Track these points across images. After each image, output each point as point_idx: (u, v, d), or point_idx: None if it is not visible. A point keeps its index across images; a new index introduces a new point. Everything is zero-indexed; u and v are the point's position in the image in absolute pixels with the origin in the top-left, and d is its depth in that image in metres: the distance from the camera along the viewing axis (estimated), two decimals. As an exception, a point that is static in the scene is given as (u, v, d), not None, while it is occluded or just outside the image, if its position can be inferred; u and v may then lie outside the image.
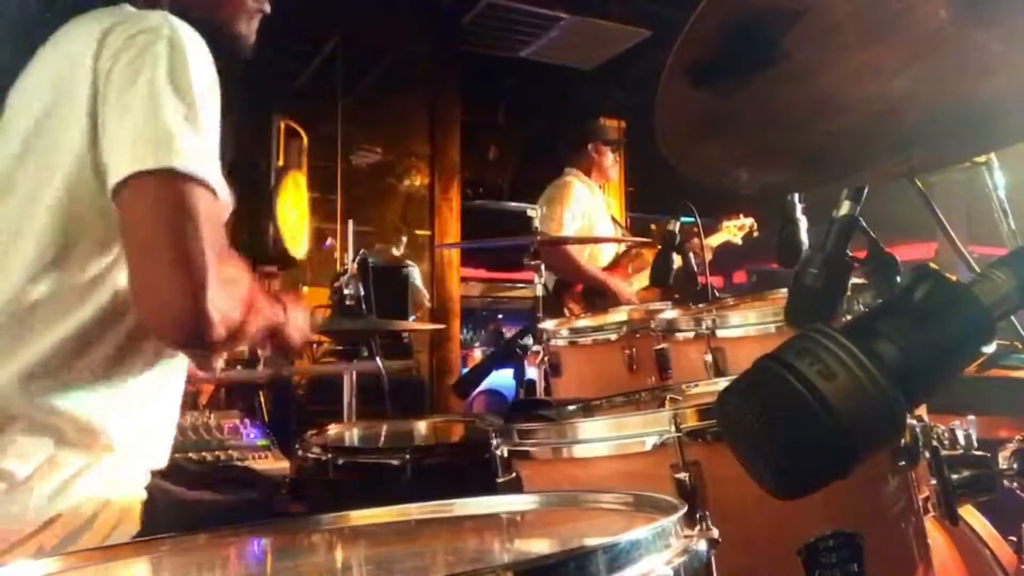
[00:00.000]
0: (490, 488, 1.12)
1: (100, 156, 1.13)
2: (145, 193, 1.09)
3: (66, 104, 1.15)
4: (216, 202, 1.14)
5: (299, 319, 1.42)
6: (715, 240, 4.44)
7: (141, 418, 1.24)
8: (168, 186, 1.09)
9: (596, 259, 4.19)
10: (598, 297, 4.01)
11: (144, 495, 1.25)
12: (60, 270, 1.14)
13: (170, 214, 1.09)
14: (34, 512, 1.12)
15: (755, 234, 4.54)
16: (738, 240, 4.55)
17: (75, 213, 1.15)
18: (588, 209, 4.19)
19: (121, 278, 1.17)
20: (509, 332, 6.13)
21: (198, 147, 1.12)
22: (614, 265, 4.23)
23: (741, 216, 4.54)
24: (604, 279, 4.08)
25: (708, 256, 3.89)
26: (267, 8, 1.42)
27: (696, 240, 2.59)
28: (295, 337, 1.39)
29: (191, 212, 1.09)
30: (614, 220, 4.57)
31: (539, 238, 2.79)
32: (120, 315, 1.17)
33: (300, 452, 1.60)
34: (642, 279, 4.10)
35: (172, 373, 1.31)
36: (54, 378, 1.14)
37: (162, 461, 1.31)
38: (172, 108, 1.10)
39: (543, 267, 2.83)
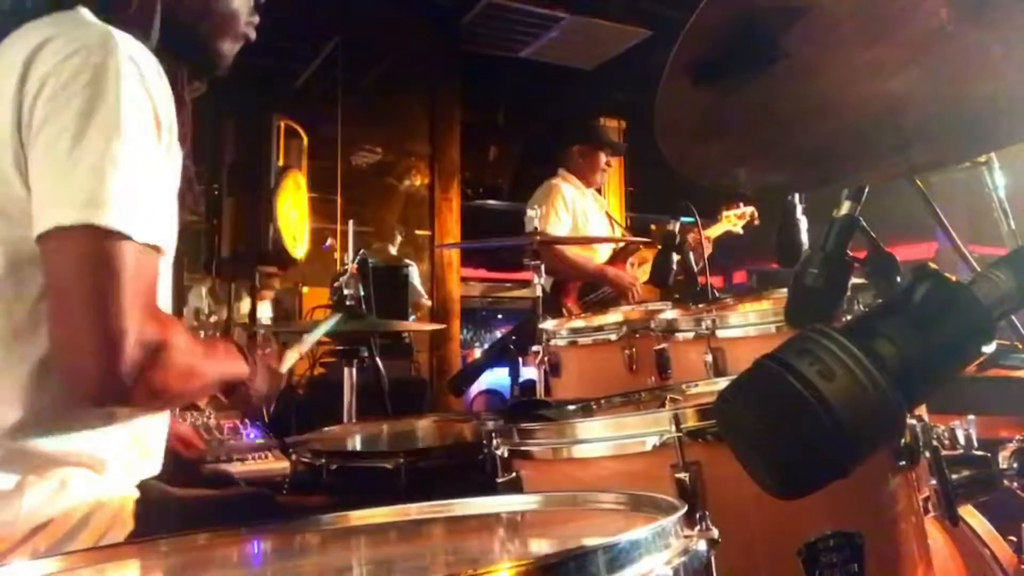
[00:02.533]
0: (488, 489, 1.12)
1: (28, 190, 1.07)
2: (65, 248, 1.04)
3: None
4: (145, 253, 1.07)
5: (266, 374, 1.40)
6: (715, 231, 4.39)
7: (131, 429, 1.23)
8: (89, 242, 1.03)
9: (593, 257, 4.18)
10: (596, 301, 4.01)
11: (136, 494, 1.24)
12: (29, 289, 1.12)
13: (90, 271, 1.03)
14: (27, 517, 1.10)
15: (756, 222, 4.46)
16: (739, 230, 4.48)
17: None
18: (577, 209, 4.17)
19: None
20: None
21: (125, 195, 1.05)
22: (612, 262, 4.23)
23: (741, 205, 4.47)
24: (601, 270, 4.08)
25: (708, 249, 3.89)
26: (253, 35, 1.37)
27: (696, 238, 2.59)
28: (260, 391, 1.37)
29: (113, 269, 1.03)
30: (611, 218, 4.56)
31: (538, 238, 2.79)
32: None
33: (294, 456, 1.60)
34: (644, 271, 4.09)
35: None
36: (18, 407, 1.11)
37: (156, 468, 1.30)
38: (96, 151, 1.04)
39: (543, 267, 2.83)
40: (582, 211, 4.20)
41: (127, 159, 1.06)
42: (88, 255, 1.04)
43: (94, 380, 1.05)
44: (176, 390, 1.15)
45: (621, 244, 4.28)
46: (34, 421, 1.11)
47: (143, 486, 1.26)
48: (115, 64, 1.07)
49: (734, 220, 4.47)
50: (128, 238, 1.05)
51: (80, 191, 1.03)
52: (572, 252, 4.03)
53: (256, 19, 1.37)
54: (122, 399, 1.08)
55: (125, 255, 1.05)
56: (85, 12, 1.17)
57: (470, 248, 6.30)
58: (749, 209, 4.47)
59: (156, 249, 1.10)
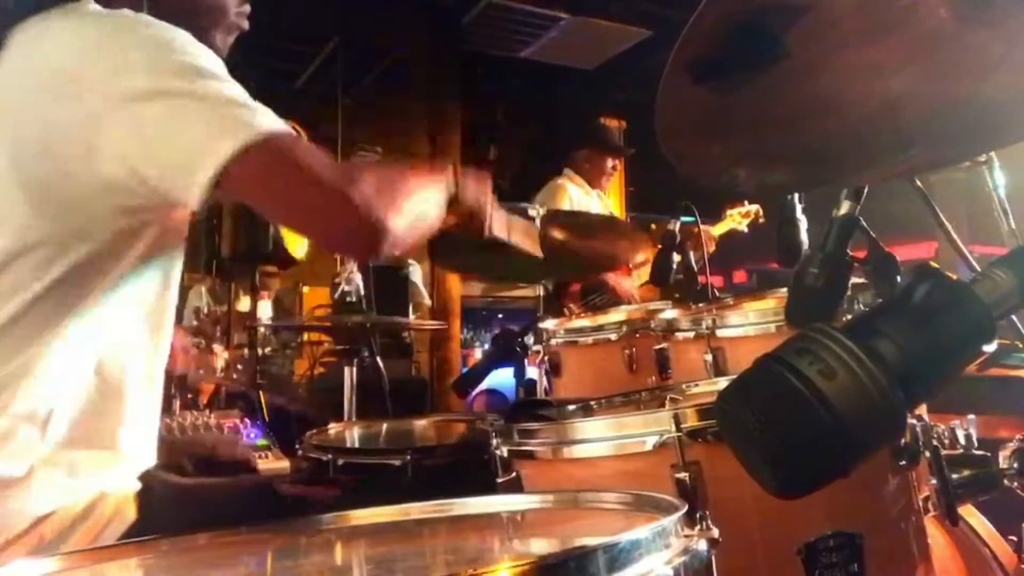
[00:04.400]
0: (490, 488, 1.12)
1: (113, 168, 1.08)
2: (250, 170, 1.06)
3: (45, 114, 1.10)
4: (293, 135, 1.13)
5: (472, 183, 1.38)
6: (720, 229, 4.37)
7: (131, 416, 1.24)
8: (263, 152, 1.06)
9: None
10: (597, 297, 4.00)
11: (139, 484, 1.25)
12: (44, 271, 1.13)
13: (286, 171, 1.08)
14: (31, 507, 1.12)
15: (761, 221, 4.42)
16: (744, 227, 4.45)
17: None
18: (582, 209, 4.17)
19: (96, 282, 1.16)
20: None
21: (257, 105, 1.10)
22: None
23: (746, 203, 4.44)
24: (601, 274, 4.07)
25: (711, 248, 3.87)
26: (245, 25, 1.38)
27: (696, 238, 2.59)
28: (479, 200, 1.38)
29: (296, 158, 1.08)
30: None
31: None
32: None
33: (300, 453, 1.60)
34: (643, 275, 4.08)
35: (146, 378, 1.30)
36: (39, 378, 1.13)
37: (152, 458, 1.31)
38: (211, 86, 1.08)
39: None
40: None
41: (227, 80, 1.10)
42: (272, 162, 1.07)
43: (360, 236, 1.09)
44: (404, 208, 1.14)
45: None
46: (45, 410, 1.13)
47: (145, 476, 1.26)
48: (156, 28, 1.12)
49: (738, 219, 4.44)
50: (281, 133, 1.09)
51: (221, 123, 1.06)
52: None
53: (247, 8, 1.37)
54: (384, 235, 1.09)
55: (291, 145, 1.10)
56: (94, 5, 1.19)
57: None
58: (754, 207, 4.44)
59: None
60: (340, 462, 1.51)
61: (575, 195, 4.20)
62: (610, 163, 4.42)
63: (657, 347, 1.98)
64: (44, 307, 1.14)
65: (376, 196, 1.08)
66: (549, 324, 2.49)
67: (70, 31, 1.14)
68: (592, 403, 1.42)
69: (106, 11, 1.18)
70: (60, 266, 1.13)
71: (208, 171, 1.04)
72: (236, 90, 1.10)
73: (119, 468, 1.23)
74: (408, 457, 1.45)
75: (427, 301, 5.69)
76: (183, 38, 1.13)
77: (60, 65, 1.12)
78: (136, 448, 1.27)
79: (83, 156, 1.08)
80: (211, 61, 1.12)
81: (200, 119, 1.06)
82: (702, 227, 2.52)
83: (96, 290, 1.17)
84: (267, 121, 1.08)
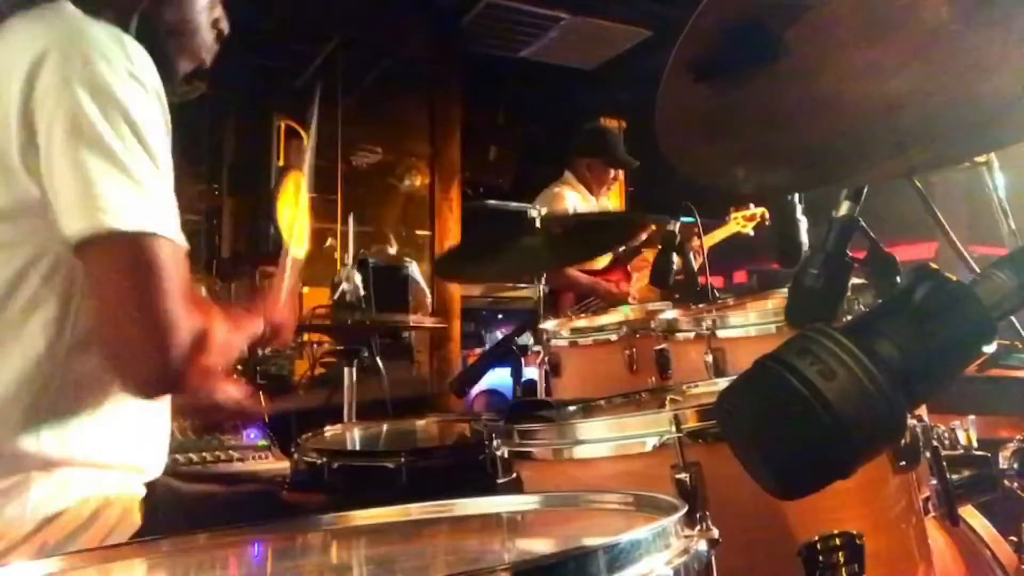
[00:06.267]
0: (487, 491, 1.12)
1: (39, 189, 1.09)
2: (107, 254, 1.07)
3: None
4: (176, 248, 1.11)
5: (276, 313, 1.48)
6: (722, 233, 4.34)
7: (134, 429, 1.24)
8: (128, 246, 1.06)
9: (593, 262, 4.17)
10: (591, 304, 3.99)
11: (144, 491, 1.25)
12: (46, 283, 1.13)
13: (134, 274, 1.07)
14: (35, 512, 1.12)
15: (767, 223, 4.35)
16: (749, 231, 4.39)
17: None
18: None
19: (67, 300, 1.15)
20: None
21: (152, 197, 1.09)
22: (612, 266, 4.22)
23: (751, 206, 4.38)
24: (593, 283, 4.05)
25: (699, 259, 3.84)
26: (207, 61, 1.38)
27: (696, 240, 2.59)
28: (284, 329, 1.47)
29: (155, 268, 1.07)
30: None
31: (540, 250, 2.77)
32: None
33: (296, 455, 1.60)
34: (643, 278, 4.07)
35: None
36: (39, 394, 1.13)
37: (159, 467, 1.31)
38: (117, 158, 1.06)
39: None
40: None
41: (147, 163, 1.09)
42: (129, 259, 1.07)
43: (150, 375, 1.09)
44: (219, 367, 1.20)
45: (621, 249, 4.25)
46: (42, 419, 1.12)
47: (150, 483, 1.26)
48: (124, 69, 1.10)
49: (742, 222, 4.39)
50: (161, 237, 1.08)
51: (109, 198, 1.06)
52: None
53: (216, 48, 1.39)
54: (176, 388, 1.14)
55: (162, 253, 1.08)
56: (69, 6, 1.17)
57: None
58: (759, 210, 4.38)
59: (180, 244, 1.13)
60: (335, 465, 1.50)
61: (573, 202, 4.18)
62: (612, 173, 4.40)
63: (657, 348, 1.98)
64: (48, 306, 1.14)
65: (189, 360, 1.09)
66: (549, 325, 2.49)
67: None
68: (592, 404, 1.42)
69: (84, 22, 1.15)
70: (54, 266, 1.13)
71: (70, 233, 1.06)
72: (155, 169, 1.10)
73: (126, 473, 1.23)
74: (403, 460, 1.45)
75: (428, 295, 5.65)
76: (136, 95, 1.11)
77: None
78: (144, 454, 1.27)
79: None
80: (155, 128, 1.12)
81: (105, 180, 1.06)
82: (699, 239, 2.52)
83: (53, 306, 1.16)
84: (154, 219, 1.07)
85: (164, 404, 1.33)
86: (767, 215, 4.36)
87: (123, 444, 1.22)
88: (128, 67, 1.10)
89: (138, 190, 1.08)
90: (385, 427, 2.08)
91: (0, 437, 1.10)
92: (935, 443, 1.14)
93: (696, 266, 2.36)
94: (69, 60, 1.08)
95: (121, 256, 1.07)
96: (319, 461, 1.52)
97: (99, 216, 1.05)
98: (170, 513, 1.22)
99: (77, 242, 1.06)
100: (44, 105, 1.07)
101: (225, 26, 1.39)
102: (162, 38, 1.28)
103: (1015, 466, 1.26)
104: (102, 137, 1.06)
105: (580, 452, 1.07)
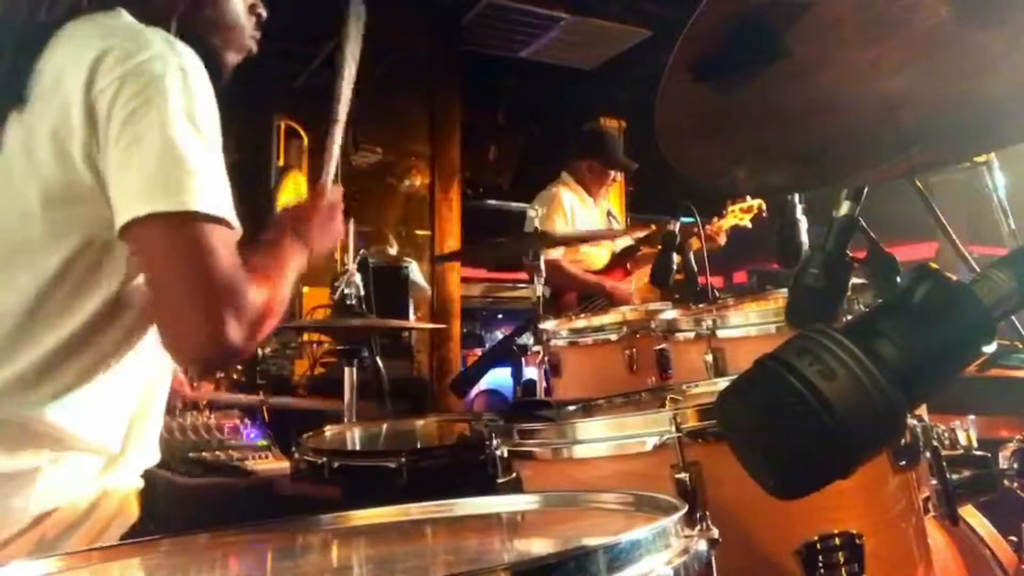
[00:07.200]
0: (487, 490, 1.12)
1: (97, 182, 1.12)
2: (162, 234, 1.09)
3: (46, 126, 1.13)
4: (231, 232, 1.14)
5: (318, 229, 1.43)
6: (727, 223, 4.29)
7: (131, 418, 1.24)
8: (186, 228, 1.09)
9: (592, 262, 4.16)
10: (596, 304, 3.99)
11: (141, 484, 1.25)
12: (58, 279, 1.14)
13: (189, 255, 1.09)
14: (34, 506, 1.12)
15: (764, 215, 4.34)
16: (747, 223, 4.36)
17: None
18: (577, 219, 4.15)
19: (110, 285, 1.17)
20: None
21: (216, 183, 1.13)
22: (612, 266, 4.21)
23: (748, 198, 4.33)
24: (598, 281, 4.05)
25: (722, 240, 3.82)
26: (255, 48, 1.43)
27: (697, 238, 2.58)
28: (327, 243, 1.44)
29: (209, 250, 1.09)
30: (613, 219, 4.52)
31: (535, 243, 2.78)
32: (108, 325, 1.18)
33: (296, 455, 1.61)
34: (642, 276, 4.06)
35: (160, 374, 1.31)
36: (45, 383, 1.13)
37: (154, 458, 1.31)
38: (190, 144, 1.10)
39: (542, 267, 2.82)
40: (582, 222, 4.18)
41: (214, 149, 1.14)
42: (186, 240, 1.09)
43: (208, 355, 1.11)
44: (275, 325, 1.20)
45: (620, 250, 4.25)
46: (52, 405, 1.13)
47: (147, 475, 1.27)
48: (190, 66, 1.15)
49: (740, 214, 4.37)
50: (221, 220, 1.11)
51: (178, 181, 1.09)
52: (570, 265, 4.01)
53: (258, 33, 1.43)
54: (236, 360, 1.16)
55: (216, 235, 1.11)
56: (126, 14, 1.22)
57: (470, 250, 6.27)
58: (756, 202, 4.34)
59: (232, 226, 1.16)
60: (335, 465, 1.51)
61: (569, 205, 4.16)
62: (611, 175, 4.39)
63: (657, 347, 1.98)
64: (51, 305, 1.14)
65: (247, 327, 1.10)
66: (549, 324, 2.49)
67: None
68: (592, 403, 1.42)
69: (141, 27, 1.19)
70: (100, 254, 1.15)
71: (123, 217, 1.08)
72: (212, 154, 1.14)
73: (124, 466, 1.23)
74: (403, 459, 1.45)
75: (428, 292, 5.62)
76: (191, 89, 1.15)
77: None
78: (141, 446, 1.27)
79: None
80: (211, 119, 1.16)
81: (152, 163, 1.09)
82: (711, 220, 2.51)
83: (101, 290, 1.17)
84: (206, 202, 1.10)
85: (162, 393, 1.33)
86: (764, 207, 4.35)
87: (123, 433, 1.22)
88: (180, 63, 1.14)
89: (203, 174, 1.11)
90: (385, 427, 2.08)
91: (27, 416, 1.12)
92: (935, 443, 1.14)
93: (696, 262, 2.34)
94: (130, 56, 1.12)
95: (184, 236, 1.09)
96: (319, 461, 1.53)
97: (172, 197, 1.08)
98: (167, 505, 1.23)
99: (140, 223, 1.08)
100: (105, 95, 1.10)
101: (263, 10, 1.43)
102: (207, 36, 1.32)
103: (1015, 466, 1.26)
104: (165, 123, 1.10)
105: (580, 452, 1.07)
